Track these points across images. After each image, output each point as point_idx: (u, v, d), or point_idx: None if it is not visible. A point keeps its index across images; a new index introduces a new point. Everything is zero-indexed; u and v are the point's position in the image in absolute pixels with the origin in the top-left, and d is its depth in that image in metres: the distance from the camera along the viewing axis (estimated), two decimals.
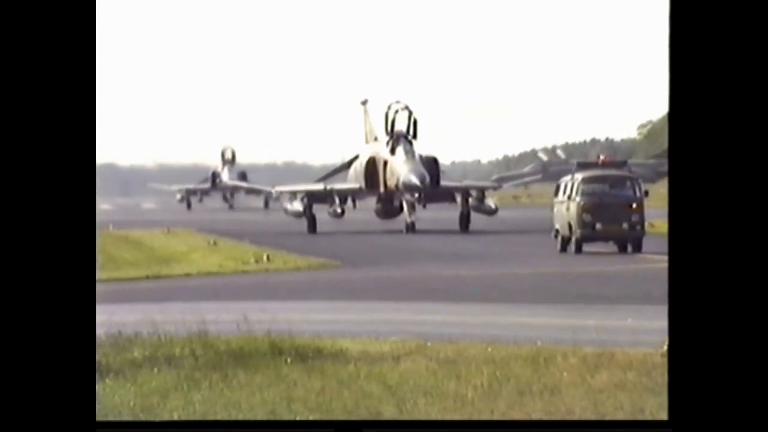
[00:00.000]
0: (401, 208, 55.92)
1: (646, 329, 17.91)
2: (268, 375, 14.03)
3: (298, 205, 56.37)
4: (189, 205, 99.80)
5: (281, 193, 59.55)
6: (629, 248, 38.81)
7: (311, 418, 11.91)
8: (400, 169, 55.21)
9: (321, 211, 56.95)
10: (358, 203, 58.83)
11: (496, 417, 11.89)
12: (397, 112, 56.83)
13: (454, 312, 22.27)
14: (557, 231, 39.99)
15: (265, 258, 36.14)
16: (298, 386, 13.42)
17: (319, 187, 57.94)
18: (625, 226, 38.65)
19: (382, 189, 56.35)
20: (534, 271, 31.94)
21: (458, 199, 56.62)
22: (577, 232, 38.92)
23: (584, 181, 39.35)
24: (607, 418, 11.74)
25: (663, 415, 11.78)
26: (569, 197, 39.50)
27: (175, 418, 12.07)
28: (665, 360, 14.74)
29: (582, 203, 38.83)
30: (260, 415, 12.11)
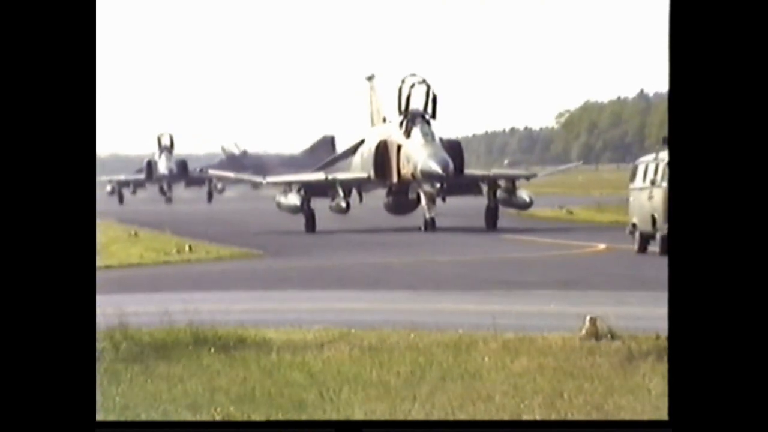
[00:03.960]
0: (418, 201, 45.95)
1: (565, 314, 18.14)
2: (190, 366, 14.00)
3: (294, 199, 46.89)
4: (121, 199, 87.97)
5: (273, 183, 49.74)
6: None
7: (232, 408, 11.92)
8: (418, 155, 45.20)
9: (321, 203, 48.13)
10: (364, 196, 48.96)
11: (419, 402, 11.99)
12: (413, 86, 46.70)
13: (377, 299, 22.38)
14: (634, 226, 31.93)
15: (187, 248, 35.97)
16: (220, 376, 13.42)
17: (320, 176, 48.27)
18: None
19: (395, 178, 46.39)
20: (455, 259, 32.14)
21: (484, 190, 47.09)
22: (663, 228, 30.18)
23: None
24: (526, 401, 11.89)
25: (580, 399, 11.97)
26: (653, 182, 31.29)
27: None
28: (584, 344, 15.00)
29: None
30: (181, 406, 12.10)
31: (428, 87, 46.46)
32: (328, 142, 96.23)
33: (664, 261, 33.54)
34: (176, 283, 26.79)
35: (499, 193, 46.60)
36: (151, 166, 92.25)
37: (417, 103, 46.56)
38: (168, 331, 15.95)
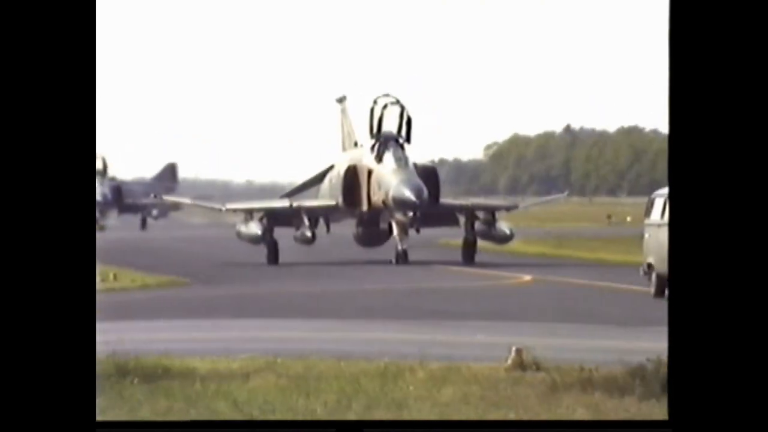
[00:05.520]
0: (390, 232, 42.54)
1: (491, 344, 18.21)
2: (112, 397, 13.81)
3: (255, 228, 43.43)
4: None
5: (233, 211, 45.69)
6: None
7: None
8: (390, 181, 41.97)
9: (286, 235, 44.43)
10: (332, 226, 45.18)
11: None
12: (385, 107, 43.50)
13: (305, 328, 22.31)
14: (649, 266, 28.18)
15: (111, 276, 35.61)
16: (143, 407, 13.27)
17: (283, 204, 44.66)
18: None
19: (365, 207, 42.98)
20: (385, 287, 32.16)
21: (461, 221, 43.71)
22: None
23: None
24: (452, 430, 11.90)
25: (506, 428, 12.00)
26: None
27: None
28: (509, 374, 15.06)
29: None
30: None
31: (402, 108, 43.48)
32: (169, 170, 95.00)
33: (592, 293, 33.49)
34: (98, 312, 26.43)
35: (477, 224, 43.45)
36: None
37: (390, 126, 43.55)
38: None
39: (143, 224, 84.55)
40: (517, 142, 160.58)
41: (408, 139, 43.35)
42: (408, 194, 41.50)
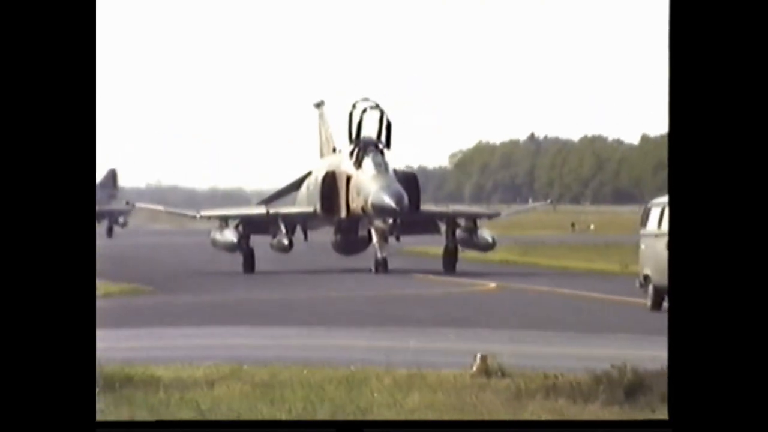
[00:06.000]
0: (369, 240, 41.35)
1: (456, 351, 18.20)
2: None
3: (230, 235, 42.25)
4: None
5: (207, 218, 44.24)
6: None
7: None
8: (369, 187, 40.61)
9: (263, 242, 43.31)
10: (310, 234, 44.32)
11: None
12: (365, 111, 42.23)
13: (270, 335, 22.23)
14: (646, 278, 26.63)
15: None
16: (105, 416, 13.14)
17: (260, 211, 43.64)
18: None
19: (343, 213, 41.75)
20: (348, 295, 32.12)
21: (442, 228, 42.77)
22: None
23: None
24: None
25: None
26: None
27: None
28: (475, 381, 15.04)
29: None
30: None
31: (382, 112, 42.06)
32: (110, 176, 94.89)
33: (554, 300, 33.67)
34: None
35: (458, 232, 42.28)
36: None
37: (369, 131, 42.22)
38: None
39: (109, 232, 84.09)
40: (481, 150, 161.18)
41: (388, 145, 42.18)
42: (388, 201, 40.24)
